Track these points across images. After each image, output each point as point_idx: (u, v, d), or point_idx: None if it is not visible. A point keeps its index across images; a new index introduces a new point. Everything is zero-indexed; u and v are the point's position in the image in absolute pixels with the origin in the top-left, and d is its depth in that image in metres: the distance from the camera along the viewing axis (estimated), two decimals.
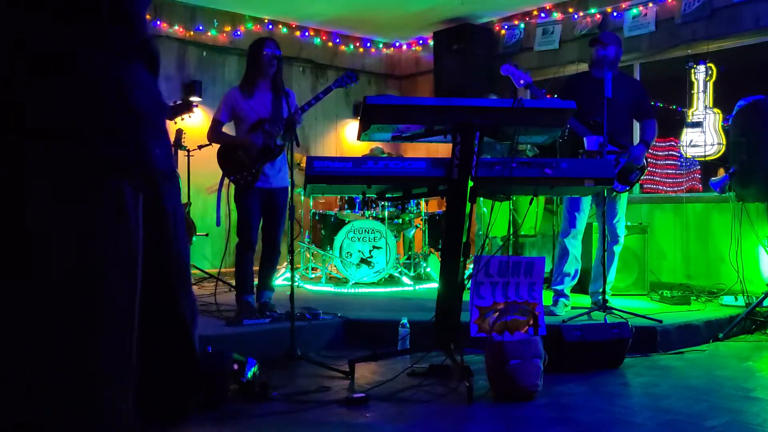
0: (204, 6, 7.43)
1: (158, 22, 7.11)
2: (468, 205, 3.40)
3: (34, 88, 1.08)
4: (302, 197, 6.88)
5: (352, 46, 8.62)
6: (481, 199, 5.94)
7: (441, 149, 7.42)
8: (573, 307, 4.87)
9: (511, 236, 6.26)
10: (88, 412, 1.07)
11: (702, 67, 5.99)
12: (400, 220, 6.75)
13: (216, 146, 4.73)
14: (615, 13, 6.76)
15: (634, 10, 6.62)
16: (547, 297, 4.64)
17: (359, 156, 3.85)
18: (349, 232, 6.30)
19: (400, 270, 6.48)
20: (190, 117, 4.66)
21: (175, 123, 4.63)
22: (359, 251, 6.31)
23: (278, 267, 5.25)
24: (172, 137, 6.34)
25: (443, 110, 3.43)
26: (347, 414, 3.03)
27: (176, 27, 7.25)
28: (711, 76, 5.98)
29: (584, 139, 4.76)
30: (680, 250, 6.25)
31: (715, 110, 5.94)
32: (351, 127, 8.61)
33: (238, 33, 7.65)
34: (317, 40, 8.30)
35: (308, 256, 6.78)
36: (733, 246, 5.38)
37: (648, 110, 5.03)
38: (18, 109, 1.07)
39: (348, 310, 4.84)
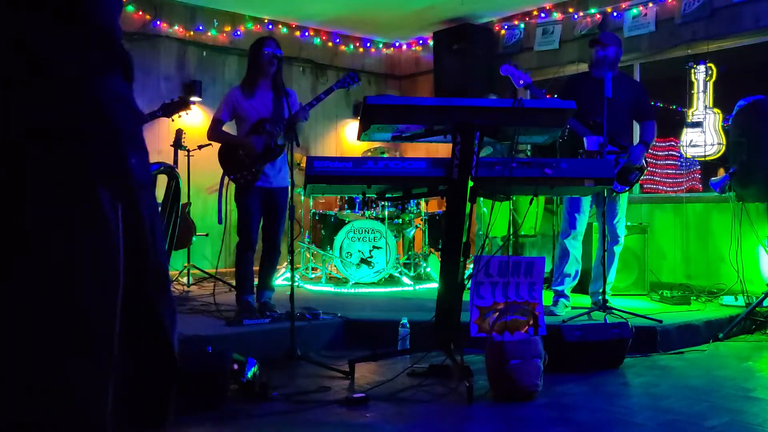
0: (204, 6, 7.43)
1: (158, 22, 7.12)
2: (468, 205, 3.40)
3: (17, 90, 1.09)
4: (302, 197, 6.88)
5: (352, 46, 8.62)
6: (481, 199, 5.94)
7: (441, 149, 7.42)
8: (573, 307, 4.87)
9: (511, 236, 6.26)
10: (68, 415, 1.08)
11: (702, 67, 5.99)
12: (400, 220, 6.75)
13: (216, 146, 4.73)
14: (615, 13, 6.76)
15: (634, 10, 6.62)
16: (547, 297, 4.64)
17: (359, 156, 3.86)
18: (349, 232, 6.30)
19: (400, 270, 6.48)
20: (187, 114, 4.65)
21: (173, 120, 4.62)
22: (359, 251, 6.31)
23: (278, 267, 5.25)
24: (171, 137, 6.35)
25: (443, 110, 3.43)
26: (347, 414, 3.03)
27: (176, 27, 7.25)
28: (711, 76, 5.97)
29: (584, 139, 4.76)
30: (680, 250, 6.25)
31: (715, 110, 5.94)
32: (351, 127, 8.61)
33: (238, 33, 7.65)
34: (317, 40, 8.30)
35: (308, 256, 6.78)
36: (733, 246, 5.38)
37: (648, 111, 5.03)
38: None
39: (348, 310, 4.84)
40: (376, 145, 7.25)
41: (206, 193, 7.21)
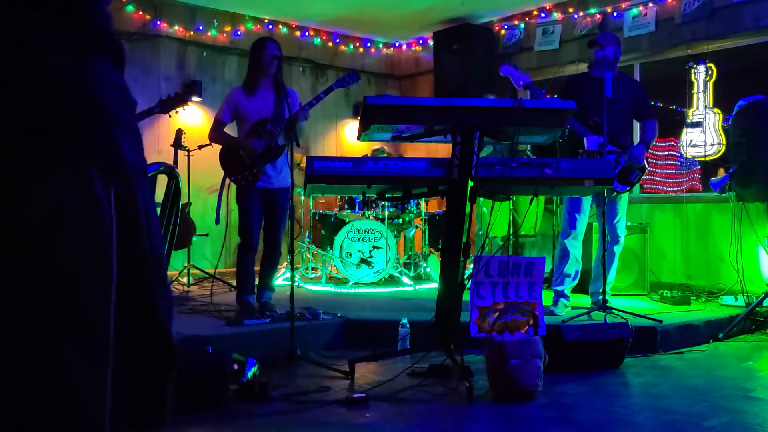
0: (204, 6, 7.43)
1: (158, 22, 7.12)
2: (468, 205, 3.40)
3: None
4: (302, 197, 6.88)
5: (352, 46, 8.62)
6: (481, 199, 5.94)
7: (441, 149, 7.42)
8: (573, 307, 4.87)
9: (511, 236, 6.26)
10: (68, 415, 1.08)
11: (702, 67, 5.99)
12: (400, 220, 6.75)
13: (217, 146, 4.73)
14: (615, 13, 6.76)
15: (634, 10, 6.62)
16: (547, 297, 4.64)
17: (359, 156, 3.85)
18: (349, 232, 6.30)
19: (400, 270, 6.48)
20: (184, 110, 4.63)
21: (170, 116, 4.62)
22: (359, 251, 6.31)
23: (278, 267, 5.25)
24: (171, 137, 6.35)
25: (443, 110, 3.43)
26: (347, 414, 3.03)
27: (176, 27, 7.25)
28: (711, 76, 5.97)
29: (584, 139, 4.76)
30: (680, 250, 6.25)
31: (715, 110, 5.94)
32: (351, 127, 8.61)
33: (238, 33, 7.65)
34: (317, 40, 8.30)
35: (308, 256, 6.78)
36: (733, 246, 5.38)
37: (648, 110, 5.04)
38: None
39: (348, 310, 4.84)
40: (377, 145, 7.26)
41: (206, 193, 7.21)
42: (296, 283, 5.02)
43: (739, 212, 5.34)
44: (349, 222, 6.43)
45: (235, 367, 3.26)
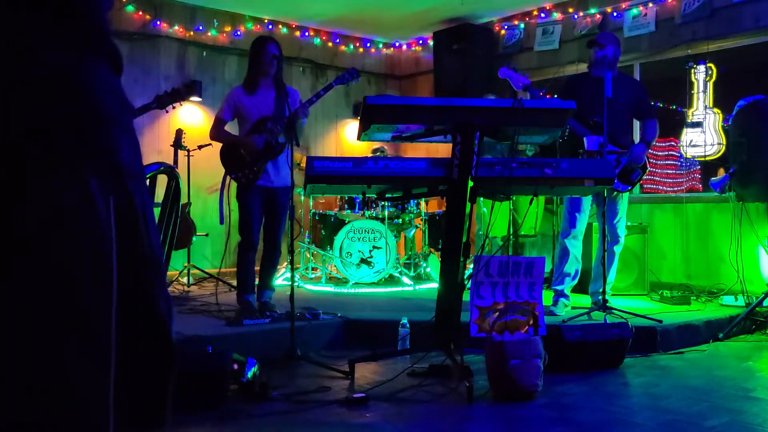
0: (204, 6, 7.43)
1: (158, 22, 7.12)
2: (468, 205, 3.40)
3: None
4: (302, 197, 6.88)
5: (352, 46, 8.62)
6: (481, 199, 5.94)
7: (441, 149, 7.42)
8: (573, 307, 4.87)
9: (511, 236, 6.26)
10: (68, 415, 1.08)
11: (702, 67, 5.99)
12: (400, 220, 6.75)
13: (217, 145, 4.73)
14: (615, 13, 6.76)
15: (634, 10, 6.62)
16: (547, 297, 4.64)
17: (359, 156, 3.85)
18: (349, 232, 6.31)
19: (400, 270, 6.48)
20: (182, 105, 4.63)
21: (167, 112, 4.61)
22: (359, 251, 6.31)
23: (278, 267, 5.25)
24: (171, 137, 6.35)
25: (443, 110, 3.43)
26: (347, 414, 3.03)
27: (176, 27, 7.25)
28: (711, 76, 5.97)
29: (584, 139, 4.76)
30: (680, 250, 6.25)
31: (715, 110, 5.94)
32: (351, 127, 8.61)
33: (238, 33, 7.65)
34: (317, 40, 8.30)
35: (308, 256, 6.78)
36: (733, 246, 5.38)
37: (648, 110, 5.04)
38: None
39: (348, 310, 4.84)
40: (377, 145, 7.26)
41: (206, 193, 7.21)
42: (296, 283, 5.02)
43: (739, 212, 5.34)
44: (349, 222, 6.43)
45: (235, 367, 3.26)
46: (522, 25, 7.63)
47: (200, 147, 6.35)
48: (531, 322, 3.68)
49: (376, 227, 6.33)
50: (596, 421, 2.91)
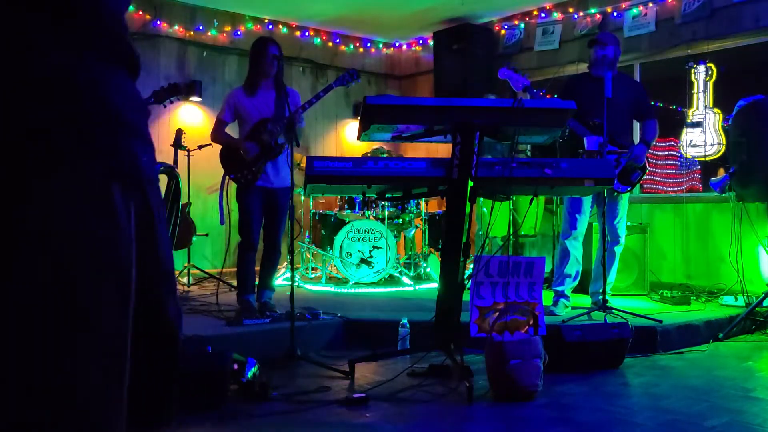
0: (204, 6, 7.43)
1: (158, 22, 7.12)
2: (468, 205, 3.40)
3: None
4: (302, 197, 6.88)
5: (352, 46, 8.62)
6: (481, 199, 5.94)
7: (441, 149, 7.42)
8: (573, 307, 4.87)
9: (511, 236, 6.26)
10: (68, 415, 1.08)
11: (702, 67, 5.99)
12: (400, 220, 6.75)
13: (217, 146, 4.73)
14: (615, 13, 6.76)
15: (634, 10, 6.62)
16: (547, 297, 4.64)
17: (359, 156, 3.85)
18: (349, 232, 6.30)
19: (400, 270, 6.48)
20: (179, 99, 4.63)
21: (165, 107, 4.61)
22: (359, 251, 6.31)
23: (278, 267, 5.25)
24: (171, 137, 6.35)
25: (443, 110, 3.43)
26: (347, 414, 3.03)
27: (176, 27, 7.25)
28: (711, 76, 5.97)
29: (584, 139, 4.76)
30: (680, 250, 6.25)
31: (715, 110, 5.94)
32: (351, 127, 8.61)
33: (238, 33, 7.65)
34: (317, 40, 8.30)
35: (308, 256, 6.78)
36: (733, 246, 5.38)
37: (648, 110, 5.04)
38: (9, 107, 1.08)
39: (348, 310, 4.84)
40: (376, 145, 7.25)
41: (206, 193, 7.21)
42: (296, 283, 5.02)
43: (739, 212, 5.34)
44: (349, 222, 6.43)
45: (235, 367, 3.26)
46: (522, 25, 7.63)
47: (200, 147, 6.35)
48: (531, 322, 3.68)
49: (376, 227, 6.33)
50: (596, 421, 2.91)
